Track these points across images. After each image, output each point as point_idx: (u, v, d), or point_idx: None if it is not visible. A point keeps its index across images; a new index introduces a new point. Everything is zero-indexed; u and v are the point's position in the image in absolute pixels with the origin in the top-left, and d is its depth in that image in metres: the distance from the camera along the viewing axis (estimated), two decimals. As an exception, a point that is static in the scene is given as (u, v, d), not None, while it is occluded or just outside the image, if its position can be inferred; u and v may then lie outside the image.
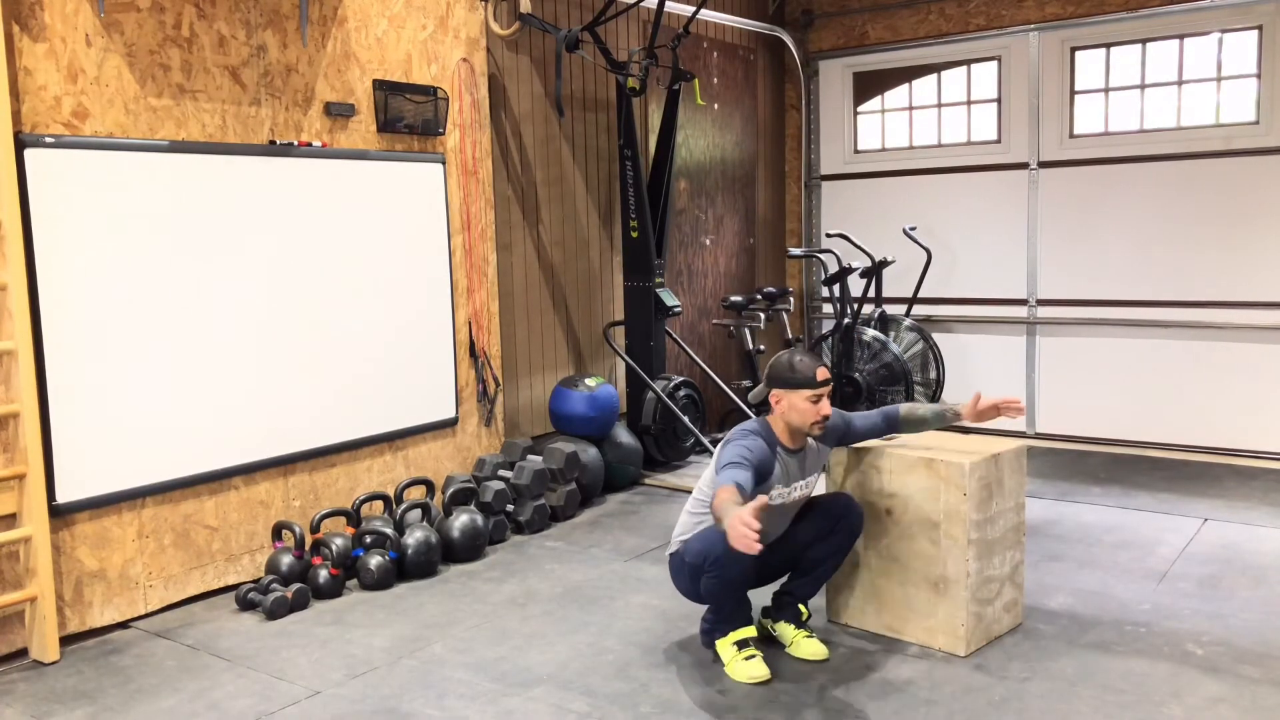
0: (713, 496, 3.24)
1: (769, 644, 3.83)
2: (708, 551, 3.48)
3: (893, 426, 3.85)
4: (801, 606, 3.82)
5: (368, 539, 4.68)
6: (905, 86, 7.86)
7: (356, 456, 5.10)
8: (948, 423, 3.83)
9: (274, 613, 4.23)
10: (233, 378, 4.53)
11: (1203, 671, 3.57)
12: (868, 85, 8.03)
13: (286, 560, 4.49)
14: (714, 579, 3.52)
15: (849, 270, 7.05)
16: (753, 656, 3.58)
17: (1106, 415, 7.06)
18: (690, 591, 3.73)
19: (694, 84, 6.68)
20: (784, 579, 3.88)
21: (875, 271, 7.23)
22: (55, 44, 3.93)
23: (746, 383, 7.18)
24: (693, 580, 3.64)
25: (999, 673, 3.59)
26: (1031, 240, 7.27)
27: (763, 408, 3.74)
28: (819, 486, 3.88)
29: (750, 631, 3.64)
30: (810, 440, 3.71)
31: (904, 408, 3.86)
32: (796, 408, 3.56)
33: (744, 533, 2.86)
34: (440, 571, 4.78)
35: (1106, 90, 6.99)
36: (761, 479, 3.50)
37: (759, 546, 2.87)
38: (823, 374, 3.55)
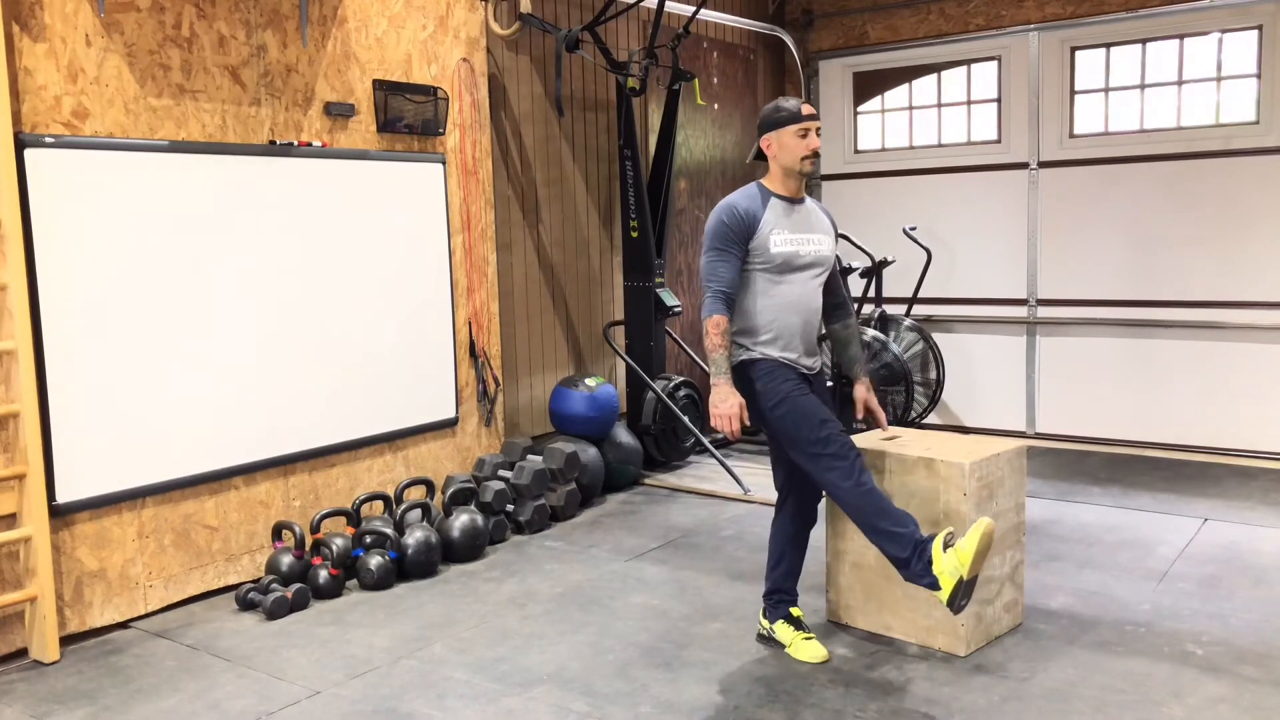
0: (704, 325, 3.52)
1: (769, 645, 3.83)
2: (785, 396, 3.57)
3: (833, 317, 3.91)
4: (794, 609, 3.83)
5: (368, 539, 4.68)
6: (905, 86, 7.86)
7: (356, 456, 5.10)
8: (848, 372, 3.98)
9: (274, 613, 4.23)
10: (233, 378, 4.53)
11: (1203, 671, 3.57)
12: (868, 85, 8.03)
13: (286, 560, 4.49)
14: (778, 419, 3.61)
15: (849, 270, 7.05)
16: (810, 638, 3.72)
17: (1106, 415, 7.06)
18: (750, 409, 3.65)
19: (694, 84, 6.68)
20: (775, 578, 3.86)
21: (875, 271, 7.23)
22: (55, 44, 3.93)
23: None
24: (756, 405, 3.62)
25: (999, 673, 3.59)
26: (1031, 240, 7.27)
27: (758, 159, 3.78)
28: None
29: (798, 611, 3.82)
30: (809, 201, 3.75)
31: (853, 326, 3.96)
32: (786, 146, 3.62)
33: (728, 425, 3.45)
34: (440, 571, 4.78)
35: (1106, 90, 6.99)
36: (748, 234, 3.56)
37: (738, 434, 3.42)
38: (807, 109, 3.64)
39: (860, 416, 3.93)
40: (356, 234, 5.03)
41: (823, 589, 4.11)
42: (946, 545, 3.31)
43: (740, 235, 3.55)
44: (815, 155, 3.64)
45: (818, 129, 3.65)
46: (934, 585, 3.31)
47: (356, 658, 3.85)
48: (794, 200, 3.68)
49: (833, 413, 3.63)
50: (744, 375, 3.61)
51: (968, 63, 7.52)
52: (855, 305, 6.99)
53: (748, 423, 3.51)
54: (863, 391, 3.89)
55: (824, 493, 3.75)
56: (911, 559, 3.35)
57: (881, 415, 3.94)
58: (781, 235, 3.60)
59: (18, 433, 3.84)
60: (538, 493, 5.40)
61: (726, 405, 3.47)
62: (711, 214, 3.64)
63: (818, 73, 8.18)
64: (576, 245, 6.54)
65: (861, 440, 4.02)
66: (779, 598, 3.84)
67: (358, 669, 3.75)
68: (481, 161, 5.73)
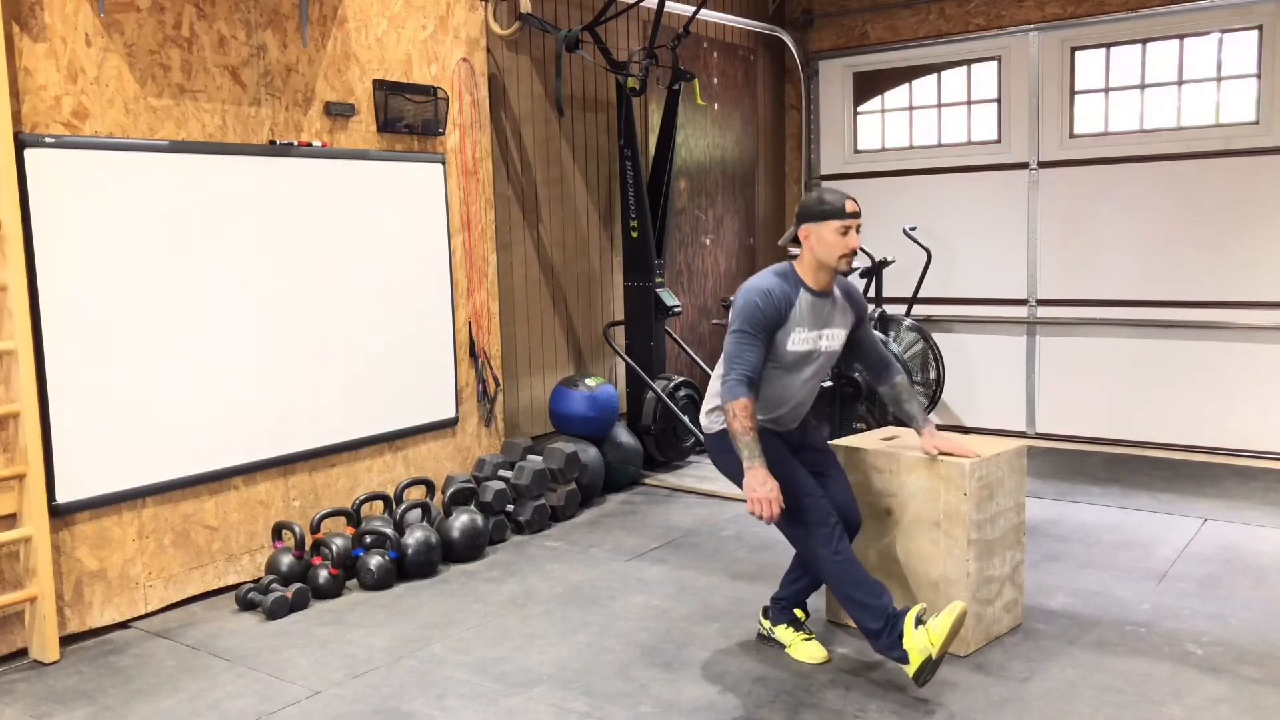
0: (728, 408, 3.41)
1: (769, 645, 3.83)
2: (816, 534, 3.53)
3: (882, 376, 3.84)
4: (798, 611, 3.82)
5: (368, 539, 4.68)
6: (905, 86, 7.86)
7: (356, 456, 5.10)
8: (910, 427, 3.85)
9: (274, 613, 4.23)
10: (233, 378, 4.53)
11: (1203, 671, 3.57)
12: (868, 85, 8.03)
13: (286, 560, 4.49)
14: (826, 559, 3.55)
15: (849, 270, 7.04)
16: (811, 638, 3.71)
17: (1106, 415, 7.06)
18: (730, 476, 3.67)
19: (694, 84, 6.68)
20: (793, 591, 3.84)
21: (875, 271, 7.23)
22: (55, 44, 3.93)
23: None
24: (736, 469, 3.57)
25: (999, 673, 3.59)
26: (1031, 240, 7.27)
27: (793, 246, 3.72)
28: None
29: (801, 614, 3.81)
30: (838, 293, 3.67)
31: (904, 380, 3.85)
32: (825, 240, 3.53)
33: (767, 509, 3.31)
34: (440, 571, 4.78)
35: (1106, 90, 6.99)
36: (778, 324, 3.50)
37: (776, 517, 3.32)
38: (851, 206, 3.55)
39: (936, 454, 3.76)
40: (356, 234, 5.03)
41: (823, 589, 4.11)
42: (920, 621, 3.34)
43: (771, 323, 3.49)
44: (853, 254, 3.55)
45: (858, 227, 3.57)
46: (903, 659, 3.35)
47: (356, 658, 3.85)
48: (823, 294, 3.62)
49: (825, 454, 3.69)
50: (723, 441, 3.60)
51: (968, 63, 7.52)
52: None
53: (783, 505, 3.40)
54: (928, 441, 3.74)
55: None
56: (883, 631, 3.39)
57: (958, 447, 3.74)
58: (801, 334, 3.56)
59: (18, 433, 3.84)
60: (538, 493, 5.40)
61: (765, 489, 3.35)
62: (743, 291, 3.55)
63: (818, 73, 8.18)
64: (576, 245, 6.54)
65: (862, 440, 4.03)
66: (786, 604, 3.83)
67: (358, 669, 3.75)
68: (481, 161, 5.73)
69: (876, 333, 7.01)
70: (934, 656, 3.28)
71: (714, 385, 3.70)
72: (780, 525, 3.52)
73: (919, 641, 3.30)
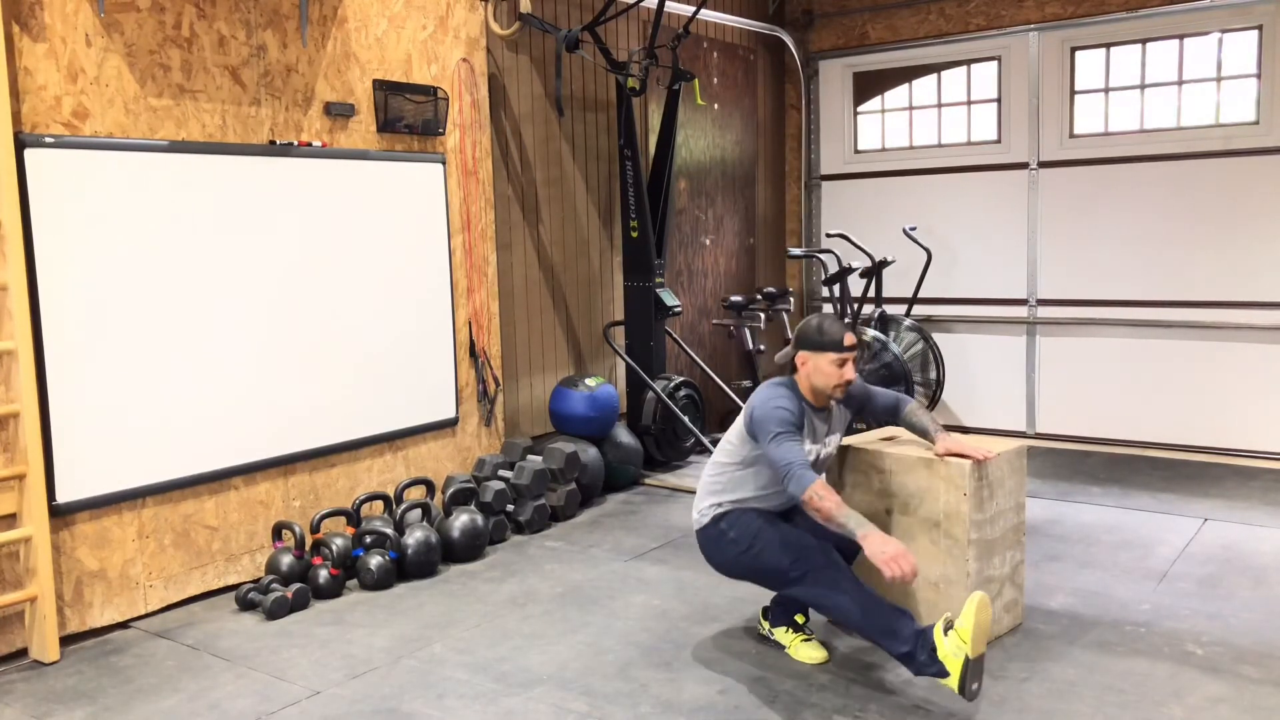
0: (807, 499, 3.29)
1: (769, 644, 3.83)
2: (757, 533, 3.55)
3: (895, 416, 3.89)
4: (798, 616, 3.82)
5: (368, 539, 4.68)
6: (905, 86, 7.86)
7: (356, 456, 5.10)
8: (925, 440, 3.85)
9: (274, 613, 4.23)
10: (233, 377, 4.53)
11: (1203, 671, 3.57)
12: (868, 85, 8.03)
13: (286, 560, 4.49)
14: (753, 558, 3.57)
15: (849, 270, 7.05)
16: (810, 638, 3.70)
17: (1106, 415, 7.06)
18: (725, 567, 3.71)
19: (694, 84, 6.69)
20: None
21: (875, 271, 7.23)
22: (55, 44, 3.93)
23: (747, 383, 7.18)
24: (732, 555, 3.62)
25: (999, 673, 3.58)
26: (1031, 240, 7.27)
27: (788, 370, 3.76)
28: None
29: (802, 618, 3.78)
30: (832, 403, 3.72)
31: (911, 406, 3.88)
32: (822, 370, 3.58)
33: (902, 568, 3.12)
34: (440, 571, 4.78)
35: (1106, 90, 6.99)
36: (800, 426, 3.53)
37: (915, 571, 3.16)
38: (849, 339, 3.58)
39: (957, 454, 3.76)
40: (356, 234, 5.03)
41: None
42: (947, 629, 3.23)
43: (799, 422, 3.50)
44: (848, 384, 3.59)
45: (855, 359, 3.62)
46: (942, 673, 3.21)
47: (356, 658, 3.85)
48: (822, 409, 3.68)
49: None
50: (715, 527, 3.65)
51: (968, 63, 7.52)
52: (856, 306, 7.04)
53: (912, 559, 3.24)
54: (943, 446, 3.73)
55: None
56: (915, 650, 3.26)
57: (971, 449, 3.71)
58: (808, 446, 3.58)
59: (18, 433, 3.84)
60: (538, 493, 5.40)
61: (891, 549, 3.18)
62: (758, 406, 3.55)
63: (818, 73, 8.18)
64: (576, 245, 6.54)
65: (862, 440, 4.03)
66: (789, 607, 3.83)
67: (358, 669, 3.75)
68: (481, 161, 5.73)
69: (872, 330, 7.07)
70: (970, 656, 3.14)
71: (705, 480, 3.75)
72: (792, 589, 3.55)
73: (950, 647, 3.18)
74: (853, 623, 3.45)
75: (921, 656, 3.26)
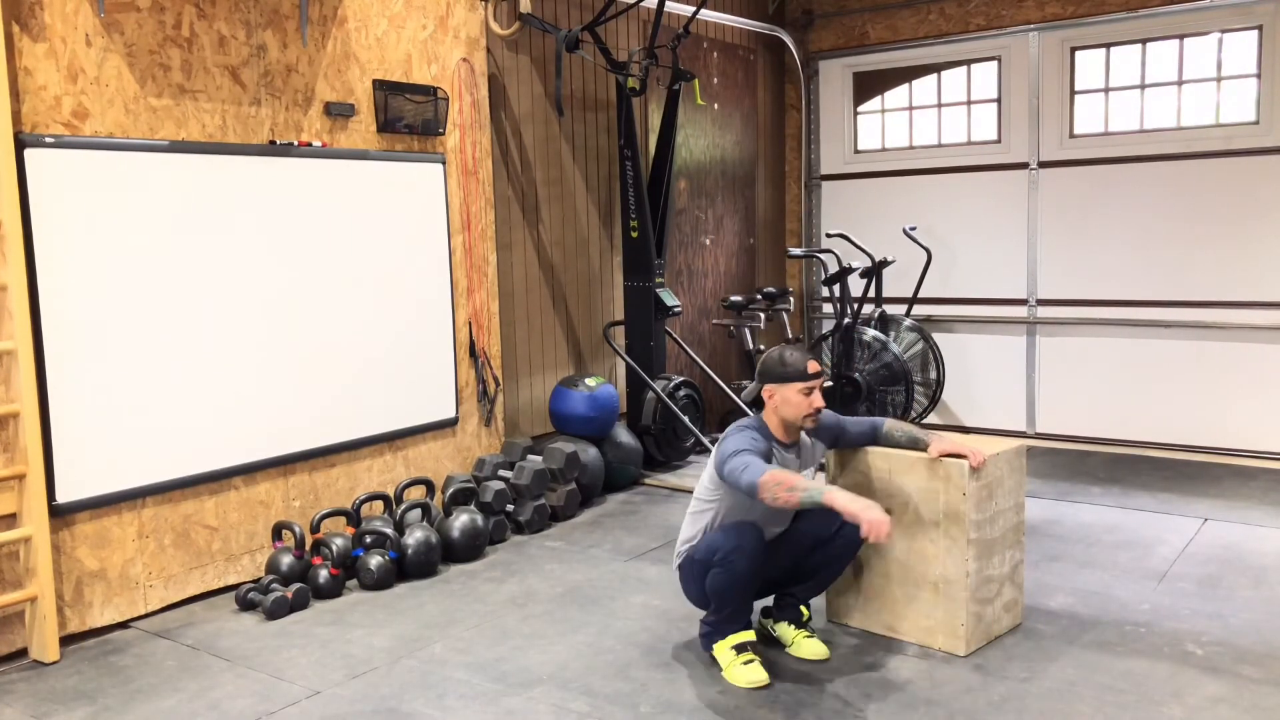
0: (762, 484, 3.28)
1: (769, 644, 3.83)
2: (721, 545, 3.51)
3: (875, 439, 3.89)
4: (802, 608, 3.82)
5: (368, 539, 4.68)
6: (905, 86, 7.86)
7: (356, 456, 5.10)
8: (917, 449, 3.81)
9: (274, 613, 4.23)
10: (233, 378, 4.53)
11: (1203, 671, 3.57)
12: (868, 85, 8.03)
13: (286, 560, 4.49)
14: (723, 573, 3.51)
15: (849, 270, 7.05)
16: (751, 661, 3.55)
17: (1106, 415, 7.06)
18: (702, 598, 3.71)
19: (694, 84, 6.69)
20: (800, 588, 3.84)
21: (875, 271, 7.23)
22: (55, 44, 3.93)
23: (747, 383, 7.18)
24: (703, 582, 3.62)
25: (999, 673, 3.59)
26: (1031, 240, 7.27)
27: (755, 405, 3.77)
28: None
29: (748, 635, 3.61)
30: (804, 436, 3.73)
31: (888, 423, 3.89)
32: (789, 401, 3.58)
33: (879, 520, 3.15)
34: (440, 571, 4.78)
35: (1106, 90, 6.99)
36: (767, 459, 3.52)
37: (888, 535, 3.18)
38: (813, 366, 3.58)
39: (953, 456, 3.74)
40: (356, 234, 5.03)
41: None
42: (739, 649, 3.56)
43: (764, 454, 3.49)
44: (817, 413, 3.59)
45: (822, 386, 3.61)
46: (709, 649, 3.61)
47: (356, 658, 3.85)
48: (792, 445, 3.68)
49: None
50: (692, 570, 3.67)
51: (968, 63, 7.52)
52: (856, 305, 7.04)
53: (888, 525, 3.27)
54: (937, 448, 3.70)
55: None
56: (710, 636, 3.63)
57: (967, 449, 3.69)
58: None
59: (18, 433, 3.84)
60: (538, 493, 5.40)
61: (862, 500, 3.23)
62: (731, 437, 3.55)
63: (818, 73, 8.18)
64: (576, 245, 6.54)
65: (853, 446, 4.00)
66: (792, 600, 3.83)
67: (358, 669, 3.75)
68: (481, 161, 5.73)
69: (872, 330, 7.07)
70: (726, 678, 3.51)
71: (683, 525, 3.77)
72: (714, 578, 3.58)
73: (730, 668, 3.54)
74: (716, 588, 3.55)
75: (709, 641, 3.64)
